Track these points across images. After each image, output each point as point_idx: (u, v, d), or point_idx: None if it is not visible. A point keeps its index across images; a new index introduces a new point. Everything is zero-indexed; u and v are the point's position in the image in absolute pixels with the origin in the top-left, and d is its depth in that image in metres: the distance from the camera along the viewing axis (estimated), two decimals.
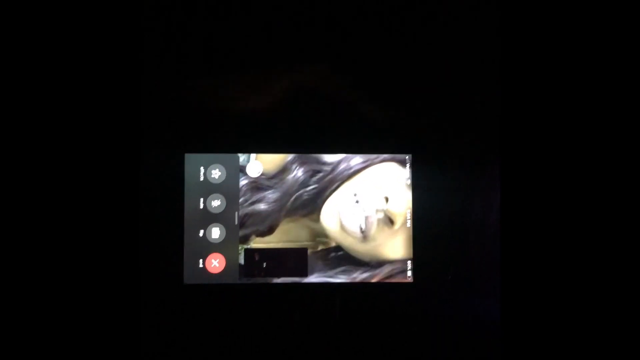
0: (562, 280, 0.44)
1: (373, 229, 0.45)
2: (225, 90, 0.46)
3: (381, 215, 0.45)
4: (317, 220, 0.45)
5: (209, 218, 0.45)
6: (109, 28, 0.44)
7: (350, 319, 0.45)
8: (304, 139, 0.46)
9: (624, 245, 0.44)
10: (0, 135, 0.42)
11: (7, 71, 0.42)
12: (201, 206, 0.45)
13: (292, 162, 0.45)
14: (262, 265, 0.45)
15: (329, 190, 0.45)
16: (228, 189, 0.45)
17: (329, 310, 0.45)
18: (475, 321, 0.46)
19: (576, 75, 0.46)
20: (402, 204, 0.46)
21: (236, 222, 0.45)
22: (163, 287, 0.44)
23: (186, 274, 0.45)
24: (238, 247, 0.45)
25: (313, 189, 0.45)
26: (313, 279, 0.45)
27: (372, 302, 0.46)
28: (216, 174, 0.46)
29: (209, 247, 0.45)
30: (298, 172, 0.45)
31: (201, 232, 0.45)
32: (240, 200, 0.45)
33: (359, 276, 0.45)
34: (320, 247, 0.45)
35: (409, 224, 0.46)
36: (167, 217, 0.45)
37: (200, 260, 0.45)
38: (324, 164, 0.45)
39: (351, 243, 0.45)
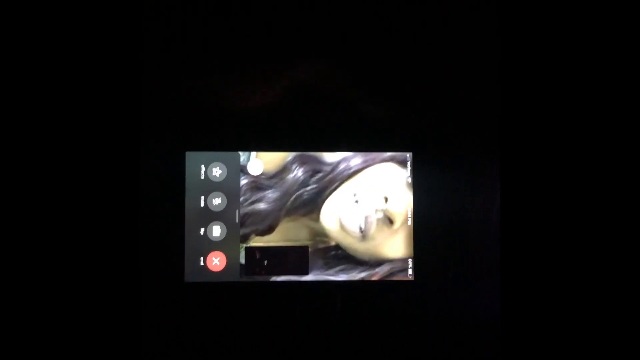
0: (562, 278, 0.45)
1: (372, 229, 0.46)
2: (225, 88, 0.46)
3: (380, 215, 0.46)
4: (317, 219, 0.46)
5: (210, 216, 0.46)
6: (109, 27, 0.44)
7: (351, 317, 0.46)
8: (304, 138, 0.47)
9: (624, 245, 0.44)
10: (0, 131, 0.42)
11: (6, 69, 0.42)
12: (202, 204, 0.46)
13: (292, 162, 0.46)
14: (263, 263, 0.46)
15: (328, 190, 0.46)
16: (229, 187, 0.46)
17: (330, 308, 0.46)
18: (476, 319, 0.46)
19: (576, 75, 0.46)
20: (401, 204, 0.46)
21: (237, 220, 0.46)
22: (164, 285, 0.45)
23: (187, 272, 0.45)
24: (239, 245, 0.45)
25: (313, 188, 0.46)
26: (313, 277, 0.45)
27: (373, 300, 0.46)
28: (217, 172, 0.46)
29: (209, 245, 0.46)
30: (298, 172, 0.46)
31: (202, 231, 0.46)
32: (241, 199, 0.45)
33: (358, 275, 0.46)
34: (320, 246, 0.45)
35: (409, 222, 0.46)
36: (168, 215, 0.45)
37: (201, 259, 0.45)
38: (324, 163, 0.46)
39: (351, 242, 0.46)
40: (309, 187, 0.46)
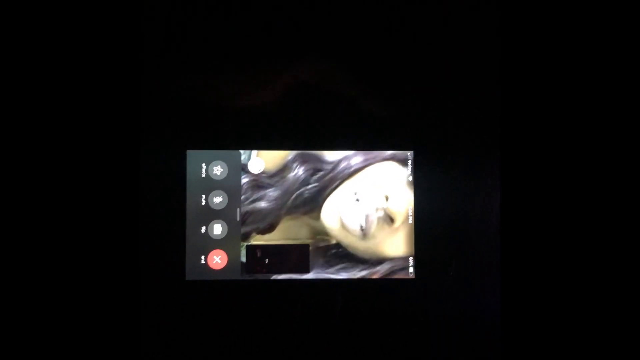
0: (562, 276, 0.45)
1: (373, 227, 0.46)
2: (226, 87, 0.46)
3: (381, 213, 0.46)
4: (318, 218, 0.46)
5: (211, 214, 0.46)
6: (109, 25, 0.44)
7: (352, 315, 0.46)
8: (305, 136, 0.47)
9: (624, 244, 0.45)
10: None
11: (6, 68, 0.43)
12: (203, 203, 0.46)
13: (293, 160, 0.46)
14: (264, 261, 0.46)
15: (329, 189, 0.46)
16: (230, 186, 0.46)
17: (331, 306, 0.46)
18: (476, 317, 0.47)
19: (576, 74, 0.46)
20: (402, 203, 0.47)
21: (238, 219, 0.46)
22: (165, 283, 0.45)
23: (188, 270, 0.46)
24: (240, 243, 0.46)
25: (314, 187, 0.46)
26: (314, 275, 0.46)
27: (373, 298, 0.47)
28: (218, 170, 0.46)
29: (210, 244, 0.46)
30: (299, 171, 0.46)
31: (203, 229, 0.46)
32: (241, 198, 0.46)
33: (358, 273, 0.46)
34: (320, 245, 0.46)
35: (410, 220, 0.47)
36: (169, 213, 0.46)
37: (202, 257, 0.46)
38: (325, 162, 0.46)
39: (351, 241, 0.46)
40: (309, 186, 0.46)
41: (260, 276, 0.46)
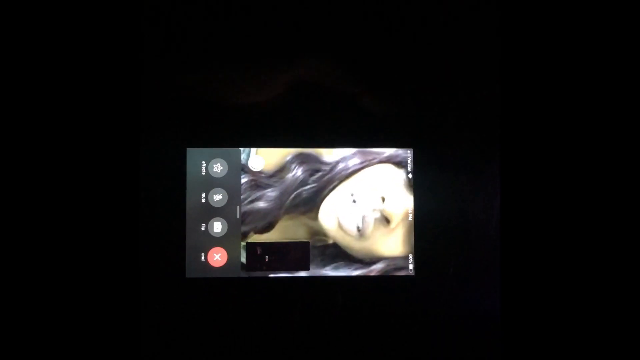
0: (562, 275, 0.46)
1: (370, 228, 0.47)
2: (226, 85, 0.47)
3: (377, 214, 0.47)
4: (316, 218, 0.47)
5: (211, 212, 0.47)
6: (108, 22, 0.45)
7: (352, 313, 0.47)
8: (305, 134, 0.48)
9: (624, 243, 0.45)
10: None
11: (6, 66, 0.43)
12: (203, 200, 0.47)
13: (291, 161, 0.47)
14: (264, 259, 0.47)
15: (327, 190, 0.47)
16: (229, 184, 0.47)
17: (331, 303, 0.47)
18: (476, 315, 0.48)
19: (576, 74, 0.47)
20: (398, 204, 0.48)
21: (238, 216, 0.47)
22: (165, 280, 0.46)
23: (188, 268, 0.47)
24: (240, 241, 0.47)
25: (312, 187, 0.47)
26: (314, 273, 0.47)
27: (373, 296, 0.48)
28: (218, 168, 0.47)
29: (210, 241, 0.47)
30: (298, 171, 0.47)
31: (203, 226, 0.47)
32: (241, 197, 0.46)
33: (353, 272, 0.47)
34: (317, 244, 0.47)
35: (406, 220, 0.48)
36: (169, 211, 0.47)
37: (202, 254, 0.47)
38: (323, 163, 0.47)
39: (348, 241, 0.47)
40: (307, 186, 0.47)
41: (260, 274, 0.47)
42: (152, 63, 0.46)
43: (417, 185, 0.48)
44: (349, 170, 0.47)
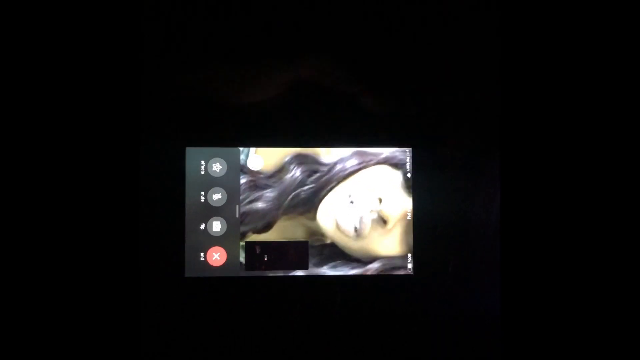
0: (563, 274, 0.46)
1: (367, 229, 0.48)
2: (225, 84, 0.47)
3: (375, 215, 0.48)
4: (314, 218, 0.48)
5: (210, 211, 0.48)
6: (108, 21, 0.45)
7: (351, 312, 0.48)
8: (304, 133, 0.48)
9: (624, 244, 0.46)
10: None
11: (6, 65, 0.44)
12: (202, 200, 0.48)
13: (290, 162, 0.48)
14: (263, 258, 0.48)
15: (325, 190, 0.48)
16: (229, 183, 0.48)
17: (330, 303, 0.48)
18: (475, 315, 0.49)
19: (577, 74, 0.47)
20: (395, 205, 0.48)
21: (237, 216, 0.47)
22: (164, 280, 0.46)
23: (187, 267, 0.47)
24: (239, 240, 0.47)
25: (310, 188, 0.48)
26: (313, 272, 0.48)
27: (373, 295, 0.49)
28: (217, 167, 0.48)
29: (209, 241, 0.48)
30: (296, 172, 0.48)
31: (202, 226, 0.48)
32: (240, 198, 0.47)
33: (350, 271, 0.48)
34: (315, 244, 0.48)
35: (409, 216, 0.48)
36: (168, 210, 0.47)
37: (201, 254, 0.47)
38: (321, 164, 0.48)
39: (346, 241, 0.48)
40: (306, 187, 0.48)
41: (259, 273, 0.47)
42: (151, 63, 0.46)
43: (416, 184, 0.49)
44: (347, 172, 0.48)
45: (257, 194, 0.48)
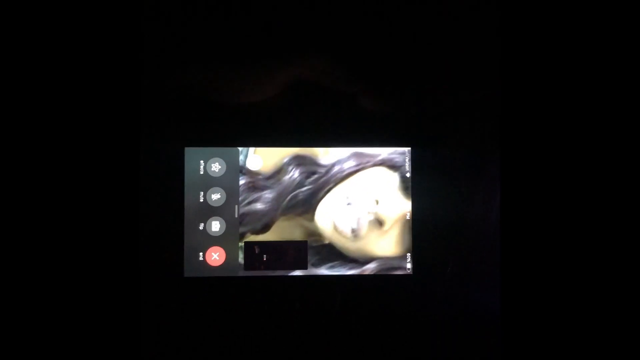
0: (563, 274, 0.47)
1: (364, 230, 0.48)
2: (224, 84, 0.47)
3: (371, 217, 0.48)
4: (312, 219, 0.49)
5: (209, 211, 0.49)
6: (108, 21, 0.45)
7: (350, 311, 0.49)
8: (303, 133, 0.49)
9: (625, 243, 0.46)
10: None
11: (5, 65, 0.44)
12: (201, 200, 0.48)
13: (288, 163, 0.48)
14: (262, 258, 0.48)
15: (323, 191, 0.48)
16: (228, 183, 0.49)
17: (329, 303, 0.48)
18: (475, 315, 0.49)
19: (577, 74, 0.47)
20: (391, 207, 0.49)
21: (236, 216, 0.48)
22: (163, 280, 0.47)
23: (186, 267, 0.48)
24: (238, 240, 0.48)
25: (308, 189, 0.48)
26: (312, 272, 0.49)
27: (372, 294, 0.49)
28: (216, 167, 0.49)
29: (208, 241, 0.48)
30: (295, 173, 0.48)
31: (201, 226, 0.48)
32: (239, 199, 0.48)
33: (347, 272, 0.49)
34: (313, 245, 0.49)
35: (408, 216, 0.49)
36: (167, 210, 0.48)
37: (200, 254, 0.48)
38: (320, 165, 0.48)
39: (344, 242, 0.49)
40: (304, 188, 0.48)
41: (258, 273, 0.48)
42: (151, 62, 0.47)
43: (416, 184, 0.49)
44: (344, 173, 0.49)
45: (255, 195, 0.48)
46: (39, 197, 0.44)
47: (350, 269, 0.49)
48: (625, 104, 0.47)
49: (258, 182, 0.49)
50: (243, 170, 0.49)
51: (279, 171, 0.49)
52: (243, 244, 0.48)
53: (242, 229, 0.49)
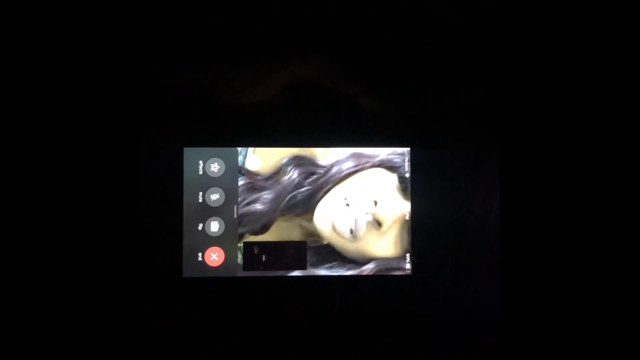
0: (563, 273, 0.47)
1: (362, 231, 0.49)
2: (223, 84, 0.48)
3: (370, 218, 0.48)
4: (311, 220, 0.49)
5: (208, 212, 0.49)
6: (108, 21, 0.46)
7: (350, 312, 0.49)
8: (302, 133, 0.50)
9: (625, 243, 0.46)
10: None
11: (5, 64, 0.44)
12: (200, 200, 0.49)
13: (287, 163, 0.49)
14: (261, 258, 0.49)
15: (321, 192, 0.49)
16: (227, 183, 0.49)
17: (329, 303, 0.49)
18: (475, 314, 0.50)
19: (577, 74, 0.47)
20: (389, 208, 0.50)
21: (235, 216, 0.48)
22: (162, 280, 0.48)
23: (185, 268, 0.48)
24: (237, 240, 0.49)
25: (307, 190, 0.49)
26: (311, 272, 0.49)
27: (371, 295, 0.50)
28: (215, 167, 0.49)
29: (207, 241, 0.49)
30: (293, 174, 0.48)
31: (200, 226, 0.49)
32: (239, 199, 0.48)
33: (345, 272, 0.49)
34: (312, 245, 0.49)
35: (407, 216, 0.49)
36: (166, 211, 0.48)
37: (199, 254, 0.49)
38: (318, 166, 0.49)
39: (342, 243, 0.50)
40: (303, 189, 0.49)
41: (257, 273, 0.49)
42: (150, 62, 0.47)
43: (415, 184, 0.49)
44: (343, 174, 0.49)
45: (254, 196, 0.49)
46: (39, 197, 0.45)
47: (349, 269, 0.50)
48: (625, 103, 0.47)
49: (257, 182, 0.49)
50: (242, 171, 0.49)
51: (278, 172, 0.49)
52: (242, 244, 0.49)
53: (241, 230, 0.49)
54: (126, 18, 0.46)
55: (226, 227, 0.49)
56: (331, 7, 0.48)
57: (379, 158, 0.50)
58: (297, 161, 0.49)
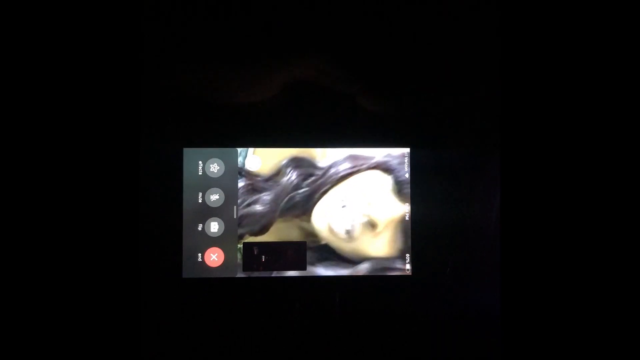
0: (563, 273, 0.47)
1: (357, 232, 0.49)
2: (223, 84, 0.48)
3: (365, 219, 0.49)
4: (309, 221, 0.50)
5: (208, 212, 0.49)
6: (108, 21, 0.46)
7: (350, 312, 0.49)
8: (302, 133, 0.50)
9: (625, 243, 0.46)
10: None
11: (5, 64, 0.45)
12: (199, 200, 0.49)
13: (287, 165, 0.49)
14: (261, 258, 0.49)
15: (319, 193, 0.49)
16: (226, 184, 0.50)
17: (328, 302, 0.49)
18: (474, 314, 0.50)
19: (577, 74, 0.47)
20: (384, 210, 0.50)
21: (235, 217, 0.49)
22: (162, 281, 0.48)
23: (185, 268, 0.49)
24: (237, 241, 0.49)
25: (305, 191, 0.49)
26: (311, 272, 0.49)
27: (371, 295, 0.50)
28: (214, 168, 0.49)
29: (207, 241, 0.49)
30: (292, 175, 0.49)
31: (200, 226, 0.49)
32: (238, 200, 0.49)
33: (341, 272, 0.50)
34: (310, 246, 0.50)
35: (407, 217, 0.49)
36: (166, 211, 0.49)
37: (199, 254, 0.49)
38: (317, 168, 0.49)
39: (339, 243, 0.50)
40: (301, 190, 0.49)
41: (257, 273, 0.49)
42: (150, 63, 0.47)
43: (415, 184, 0.49)
44: (339, 175, 0.49)
45: (254, 197, 0.49)
46: (39, 197, 0.45)
47: (344, 268, 0.50)
48: (625, 103, 0.47)
49: (257, 184, 0.49)
50: (242, 172, 0.49)
51: (277, 173, 0.49)
52: (242, 245, 0.49)
53: (240, 231, 0.49)
54: (126, 18, 0.47)
55: (226, 228, 0.49)
56: (331, 7, 0.48)
57: (374, 160, 0.50)
58: (296, 162, 0.49)
